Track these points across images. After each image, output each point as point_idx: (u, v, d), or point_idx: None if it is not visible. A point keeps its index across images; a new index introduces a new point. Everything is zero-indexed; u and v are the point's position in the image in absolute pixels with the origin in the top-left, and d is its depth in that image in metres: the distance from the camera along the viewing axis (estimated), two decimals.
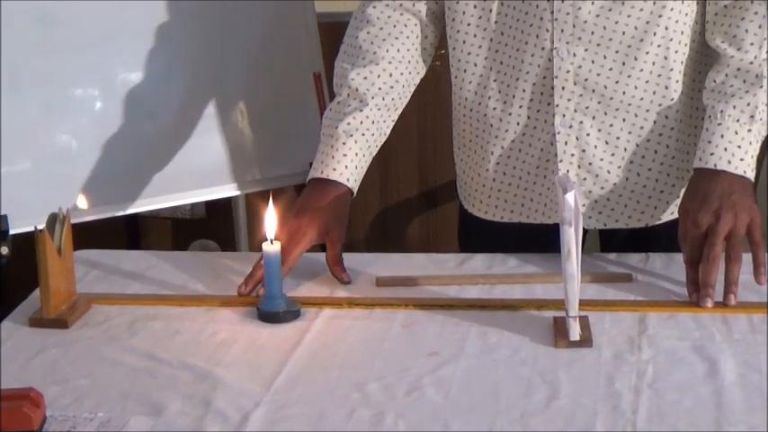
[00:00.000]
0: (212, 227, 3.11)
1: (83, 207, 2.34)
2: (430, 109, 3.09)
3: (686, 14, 1.83)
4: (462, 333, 1.61)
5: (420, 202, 3.30)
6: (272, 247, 1.68)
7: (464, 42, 1.91)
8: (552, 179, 1.89)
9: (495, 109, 1.91)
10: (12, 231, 2.30)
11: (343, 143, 1.86)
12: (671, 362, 1.50)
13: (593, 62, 1.84)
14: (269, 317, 1.68)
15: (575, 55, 1.83)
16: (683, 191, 1.88)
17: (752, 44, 1.76)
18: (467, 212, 2.06)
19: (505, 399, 1.42)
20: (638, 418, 1.36)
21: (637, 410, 1.38)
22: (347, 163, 1.85)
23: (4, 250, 2.31)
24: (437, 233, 3.30)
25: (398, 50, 1.92)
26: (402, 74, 1.92)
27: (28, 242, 2.03)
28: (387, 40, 1.91)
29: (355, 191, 1.87)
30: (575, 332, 1.56)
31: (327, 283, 1.81)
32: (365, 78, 1.89)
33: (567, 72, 1.84)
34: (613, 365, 1.49)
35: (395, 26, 1.92)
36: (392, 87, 1.91)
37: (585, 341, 1.55)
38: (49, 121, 2.34)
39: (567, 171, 1.86)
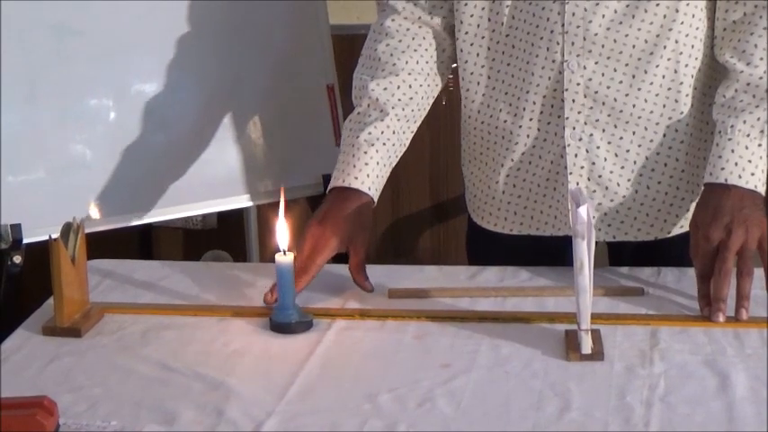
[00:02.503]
0: (224, 237, 3.12)
1: (96, 217, 2.34)
2: (442, 122, 3.09)
3: (697, 28, 1.84)
4: (474, 345, 1.61)
5: (431, 215, 3.30)
6: (284, 258, 1.68)
7: (477, 55, 1.92)
8: (562, 191, 1.90)
9: (505, 122, 1.92)
10: (25, 240, 2.31)
11: (365, 152, 1.86)
12: (682, 376, 1.50)
13: (603, 75, 1.84)
14: (281, 327, 1.68)
15: (585, 68, 1.84)
16: (692, 205, 1.89)
17: (761, 59, 1.77)
18: (475, 225, 2.06)
19: (517, 411, 1.43)
20: (650, 431, 1.36)
21: (648, 424, 1.38)
22: (368, 172, 1.86)
23: (18, 259, 2.32)
24: (448, 246, 3.30)
25: (417, 62, 1.92)
26: (421, 85, 1.93)
27: (41, 251, 2.04)
28: (406, 52, 1.92)
29: (376, 200, 1.87)
30: (586, 345, 1.56)
31: (340, 294, 1.81)
32: (385, 89, 1.90)
33: (578, 85, 1.85)
34: (625, 379, 1.49)
35: (413, 38, 1.93)
36: (411, 99, 1.92)
37: (597, 354, 1.56)
38: (64, 131, 2.35)
39: (578, 183, 1.87)
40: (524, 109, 1.89)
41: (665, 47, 1.83)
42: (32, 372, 1.58)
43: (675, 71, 1.84)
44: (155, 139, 2.43)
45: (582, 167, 1.87)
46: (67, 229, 1.73)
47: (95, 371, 1.58)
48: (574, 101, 1.85)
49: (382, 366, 1.56)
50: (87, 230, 1.77)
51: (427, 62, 1.94)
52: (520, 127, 1.90)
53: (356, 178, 1.85)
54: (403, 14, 1.95)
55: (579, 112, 1.86)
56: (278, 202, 1.72)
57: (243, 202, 2.53)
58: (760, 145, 1.75)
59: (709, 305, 1.67)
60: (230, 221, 2.94)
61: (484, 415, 1.42)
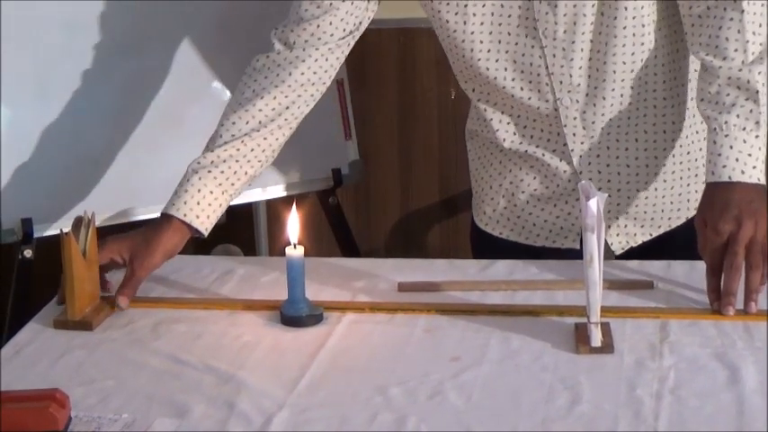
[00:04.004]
0: (233, 232, 3.12)
1: (105, 211, 2.35)
2: (451, 116, 3.09)
3: (672, 30, 1.88)
4: (484, 338, 1.62)
5: (441, 210, 3.30)
6: (295, 252, 1.69)
7: (473, 90, 1.97)
8: (568, 210, 1.97)
9: (510, 149, 1.97)
10: (35, 235, 2.32)
11: (187, 180, 1.87)
12: (692, 369, 1.50)
13: (595, 105, 1.89)
14: (292, 321, 1.68)
15: (578, 101, 1.89)
16: (690, 193, 1.96)
17: (735, 50, 1.76)
18: (476, 223, 2.11)
19: (527, 404, 1.43)
20: (660, 424, 1.37)
21: (658, 416, 1.38)
22: (186, 199, 1.85)
23: (29, 253, 2.32)
24: (457, 240, 3.30)
25: (275, 98, 1.90)
26: (273, 119, 1.90)
27: (51, 245, 2.04)
28: (266, 88, 1.90)
29: (196, 224, 1.85)
30: (596, 338, 1.56)
31: (350, 287, 1.81)
32: (233, 123, 1.89)
33: (575, 119, 1.90)
34: (635, 372, 1.50)
35: (278, 75, 1.91)
36: (258, 131, 1.89)
37: (607, 347, 1.56)
38: (73, 127, 2.36)
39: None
40: (531, 138, 1.95)
41: (642, 59, 1.86)
42: (44, 365, 1.59)
43: (666, 80, 1.89)
44: (164, 134, 2.44)
45: (599, 189, 1.89)
46: (79, 223, 1.73)
47: (107, 364, 1.59)
48: (575, 134, 1.91)
49: (392, 359, 1.57)
50: (97, 225, 1.77)
51: (280, 103, 1.91)
52: (526, 151, 1.96)
53: (173, 204, 1.85)
54: (272, 56, 1.93)
55: (582, 143, 1.92)
56: (287, 197, 1.73)
57: (252, 196, 2.54)
58: (757, 136, 1.75)
59: (718, 299, 1.67)
60: (240, 216, 2.95)
61: (494, 408, 1.43)
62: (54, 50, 2.33)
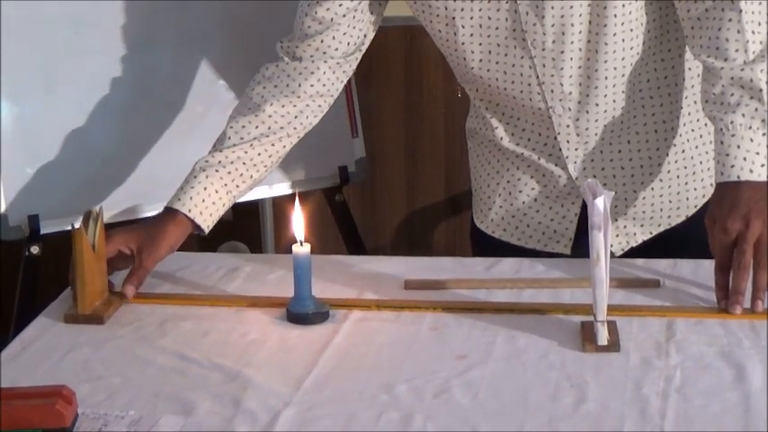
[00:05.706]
0: (239, 229, 3.13)
1: (112, 208, 2.35)
2: (457, 114, 3.09)
3: (659, 35, 1.88)
4: (490, 336, 1.62)
5: (447, 208, 3.30)
6: (301, 249, 1.69)
7: (475, 91, 1.98)
8: (562, 213, 1.98)
9: (508, 149, 1.99)
10: (42, 232, 2.32)
11: (194, 177, 1.89)
12: (699, 367, 1.50)
13: (587, 112, 1.89)
14: (298, 318, 1.69)
15: (570, 109, 1.89)
16: (694, 185, 1.97)
17: (737, 50, 1.76)
18: (475, 224, 2.12)
19: (533, 402, 1.43)
20: (666, 422, 1.37)
21: (664, 415, 1.38)
22: (192, 195, 1.87)
23: (35, 250, 2.33)
24: (463, 238, 3.30)
25: (283, 106, 1.93)
26: (282, 127, 1.93)
27: (58, 242, 2.05)
28: (275, 96, 1.93)
29: (199, 221, 1.86)
30: (602, 337, 1.56)
31: (356, 285, 1.82)
32: (243, 127, 1.92)
33: (568, 126, 1.91)
34: (641, 370, 1.50)
35: (288, 85, 1.93)
36: (267, 137, 1.92)
37: (613, 346, 1.56)
38: (80, 123, 2.36)
39: None
40: (529, 139, 1.96)
41: (632, 63, 1.87)
42: (51, 361, 1.59)
43: (656, 79, 1.90)
44: (170, 131, 2.44)
45: None
46: (87, 218, 1.74)
47: (113, 361, 1.59)
48: (568, 141, 1.92)
49: (399, 357, 1.57)
50: (104, 221, 1.77)
51: (295, 106, 1.93)
52: (523, 153, 1.97)
53: (179, 199, 1.87)
54: (282, 66, 1.95)
55: (576, 149, 1.93)
56: (293, 194, 1.73)
57: (259, 194, 2.54)
58: (764, 134, 1.75)
59: (726, 297, 1.67)
60: (246, 213, 2.95)
61: (500, 406, 1.43)
62: (61, 47, 2.34)
